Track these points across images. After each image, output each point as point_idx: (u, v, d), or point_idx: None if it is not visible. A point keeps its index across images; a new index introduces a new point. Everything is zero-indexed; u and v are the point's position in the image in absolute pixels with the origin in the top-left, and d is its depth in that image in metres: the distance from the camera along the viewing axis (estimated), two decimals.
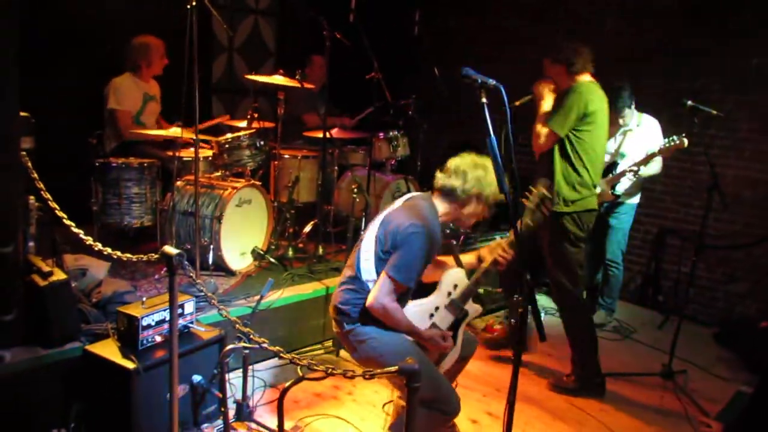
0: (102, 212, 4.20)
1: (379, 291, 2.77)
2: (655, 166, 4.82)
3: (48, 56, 4.72)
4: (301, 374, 2.24)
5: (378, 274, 2.83)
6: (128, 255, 2.71)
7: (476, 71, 2.42)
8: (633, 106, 4.81)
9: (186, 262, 2.33)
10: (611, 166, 4.93)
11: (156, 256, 2.36)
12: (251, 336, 2.50)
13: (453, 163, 2.95)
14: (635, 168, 4.69)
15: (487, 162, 2.89)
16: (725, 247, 5.37)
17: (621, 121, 4.81)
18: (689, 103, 4.09)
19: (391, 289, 2.77)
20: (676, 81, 5.54)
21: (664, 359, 4.29)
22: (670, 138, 4.43)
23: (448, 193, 2.92)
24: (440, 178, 2.95)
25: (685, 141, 4.36)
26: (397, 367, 1.88)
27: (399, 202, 3.01)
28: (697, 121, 4.12)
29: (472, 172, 2.89)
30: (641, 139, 4.83)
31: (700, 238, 4.21)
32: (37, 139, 3.59)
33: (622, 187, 4.88)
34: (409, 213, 2.86)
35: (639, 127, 4.88)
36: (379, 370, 1.99)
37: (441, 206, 2.97)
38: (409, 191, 5.34)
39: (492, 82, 2.40)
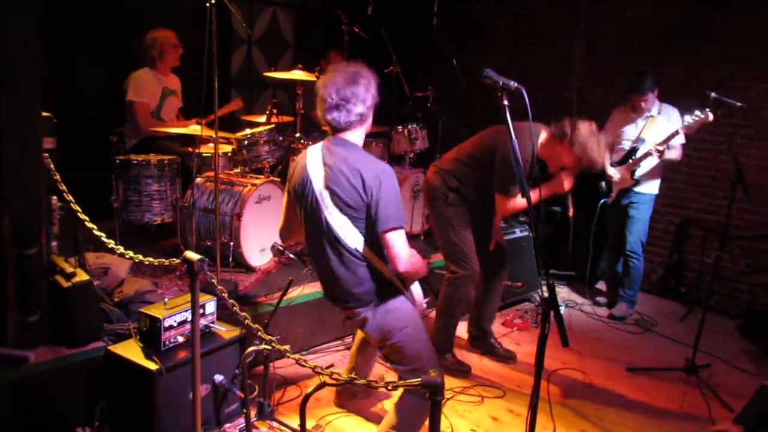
0: (123, 209, 4.23)
1: (399, 251, 2.63)
2: (674, 152, 4.73)
3: (68, 53, 4.74)
4: (322, 380, 2.24)
5: (356, 227, 2.68)
6: (150, 259, 2.72)
7: (497, 73, 2.39)
8: (656, 92, 4.73)
9: (210, 261, 2.34)
10: (631, 151, 4.86)
11: (177, 261, 2.36)
12: (273, 343, 2.50)
13: (333, 89, 2.64)
14: (660, 147, 4.60)
15: (356, 65, 2.73)
16: (749, 237, 5.29)
17: (644, 105, 4.74)
18: (713, 95, 4.00)
19: (404, 239, 2.65)
20: (699, 69, 5.43)
21: (687, 352, 4.24)
22: (694, 113, 4.33)
23: (360, 122, 2.72)
24: (341, 117, 2.66)
25: (710, 115, 4.25)
26: (420, 380, 1.87)
27: (317, 162, 2.73)
28: (720, 113, 4.04)
29: (363, 87, 2.67)
30: (662, 127, 4.75)
31: (725, 231, 4.14)
32: (59, 136, 3.62)
33: (641, 171, 4.82)
34: (354, 162, 2.65)
35: (660, 114, 4.81)
36: (401, 382, 1.99)
37: (358, 137, 2.78)
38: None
39: (513, 84, 2.37)
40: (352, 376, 2.12)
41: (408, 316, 2.83)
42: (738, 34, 5.21)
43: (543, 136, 3.72)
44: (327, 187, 2.67)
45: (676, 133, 4.50)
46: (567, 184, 3.70)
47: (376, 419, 3.44)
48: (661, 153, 4.62)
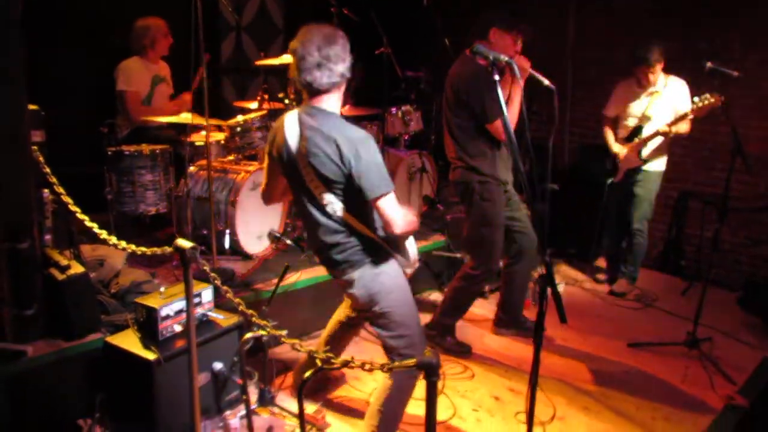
0: (117, 201, 4.20)
1: (393, 215, 2.56)
2: (683, 127, 4.63)
3: (56, 45, 4.70)
4: (319, 364, 2.22)
5: (339, 197, 2.62)
6: (142, 248, 2.69)
7: (488, 48, 2.36)
8: (662, 65, 4.64)
9: (201, 250, 2.32)
10: (636, 129, 4.81)
11: (170, 249, 2.34)
12: (269, 328, 2.49)
13: (314, 47, 2.49)
14: (666, 129, 4.54)
15: (327, 27, 2.59)
16: (748, 209, 5.26)
17: (651, 77, 4.65)
18: (709, 65, 3.94)
19: (394, 202, 2.58)
20: (695, 41, 5.37)
21: (687, 326, 4.22)
22: (703, 96, 4.22)
23: (340, 84, 2.60)
24: (323, 77, 2.52)
25: (722, 98, 4.11)
26: (414, 360, 1.86)
27: (295, 131, 2.63)
28: (717, 84, 3.99)
29: (341, 47, 2.55)
30: (668, 102, 4.68)
31: (724, 203, 4.10)
32: (50, 130, 3.59)
33: (648, 151, 4.77)
34: (328, 132, 2.54)
35: (666, 89, 4.71)
36: (396, 364, 1.97)
37: (335, 104, 2.66)
38: (424, 168, 5.31)
39: (504, 58, 2.34)
40: (348, 359, 2.10)
41: (396, 281, 2.80)
42: (733, 5, 5.15)
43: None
44: (305, 158, 2.60)
45: (686, 115, 4.42)
46: (524, 62, 3.61)
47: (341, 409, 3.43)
48: (667, 135, 4.57)
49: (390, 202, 2.57)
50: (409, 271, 2.94)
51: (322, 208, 2.66)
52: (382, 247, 2.78)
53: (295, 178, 2.71)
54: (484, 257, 3.91)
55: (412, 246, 2.91)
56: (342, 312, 3.34)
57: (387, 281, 2.77)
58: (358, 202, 2.64)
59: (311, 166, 2.58)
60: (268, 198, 3.04)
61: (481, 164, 3.79)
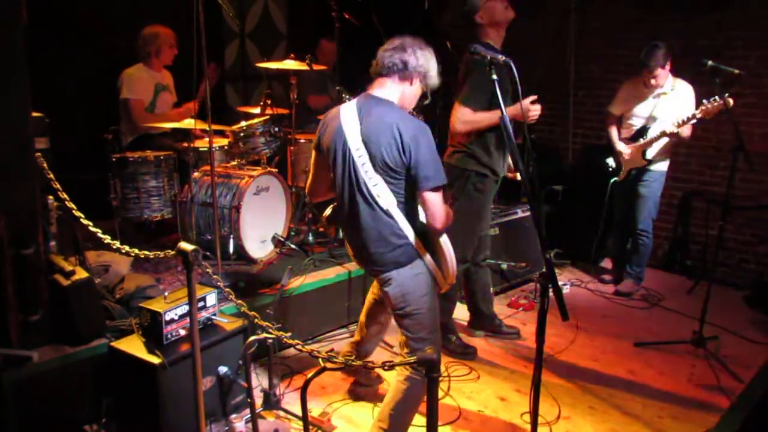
0: (122, 207, 4.22)
1: (439, 209, 2.63)
2: (685, 130, 4.61)
3: (60, 52, 4.73)
4: (322, 365, 2.23)
5: (391, 187, 2.64)
6: (146, 252, 2.71)
7: (485, 47, 2.37)
8: (668, 68, 4.64)
9: (206, 255, 2.33)
10: (642, 130, 4.80)
11: (172, 252, 2.35)
12: (271, 330, 2.49)
13: (396, 41, 2.73)
14: (673, 130, 4.52)
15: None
16: (753, 207, 5.25)
17: (653, 81, 4.65)
18: (710, 63, 3.95)
19: (441, 197, 2.64)
20: (696, 39, 5.37)
21: (694, 325, 4.20)
22: (712, 98, 4.21)
23: (400, 70, 2.70)
24: (387, 57, 2.70)
25: (730, 101, 4.08)
26: (415, 358, 1.86)
27: (353, 119, 2.68)
28: (718, 81, 3.99)
29: (421, 50, 2.72)
30: (675, 105, 4.67)
31: (727, 201, 4.09)
32: (55, 137, 3.61)
33: (653, 151, 4.76)
34: (391, 121, 2.60)
35: (673, 92, 4.70)
36: (398, 361, 1.97)
37: (395, 95, 2.74)
38: None
39: (501, 57, 2.35)
40: (349, 358, 2.10)
41: (429, 283, 2.80)
42: (733, 3, 5.15)
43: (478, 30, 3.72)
44: (364, 146, 2.62)
45: (693, 117, 4.38)
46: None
47: (347, 411, 3.41)
48: (676, 136, 4.55)
49: (438, 196, 2.62)
50: (445, 288, 2.92)
51: (371, 200, 2.65)
52: (422, 247, 2.76)
53: (345, 168, 2.69)
54: (468, 248, 3.89)
55: (452, 260, 2.84)
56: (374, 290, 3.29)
57: (423, 283, 2.77)
58: (408, 196, 2.68)
59: (368, 154, 2.61)
60: (313, 193, 3.06)
61: (481, 154, 3.77)
